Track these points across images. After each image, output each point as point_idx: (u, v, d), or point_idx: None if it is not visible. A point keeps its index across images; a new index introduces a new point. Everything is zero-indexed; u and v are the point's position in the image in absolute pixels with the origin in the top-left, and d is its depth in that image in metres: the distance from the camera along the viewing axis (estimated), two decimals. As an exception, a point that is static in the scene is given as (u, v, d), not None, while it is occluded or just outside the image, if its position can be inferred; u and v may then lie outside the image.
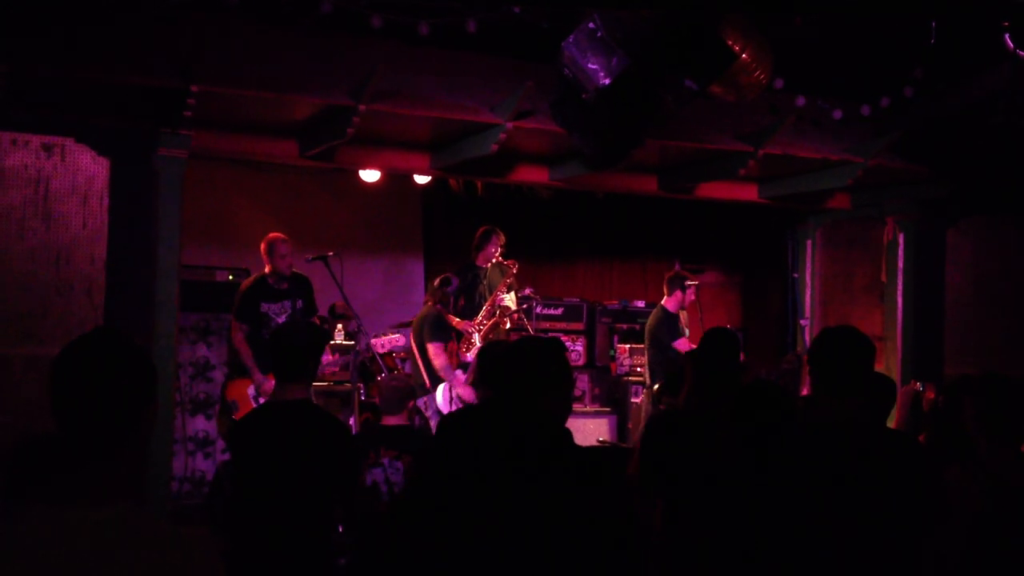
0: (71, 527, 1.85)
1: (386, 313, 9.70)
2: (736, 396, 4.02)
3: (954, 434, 4.23)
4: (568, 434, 3.03)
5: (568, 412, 3.10)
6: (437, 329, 7.94)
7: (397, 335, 8.39)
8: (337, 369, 8.01)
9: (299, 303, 7.49)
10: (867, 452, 3.32)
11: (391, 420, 5.63)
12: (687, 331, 8.91)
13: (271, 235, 7.53)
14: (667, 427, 4.50)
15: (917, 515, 3.30)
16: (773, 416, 3.38)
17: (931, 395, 6.51)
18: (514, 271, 8.63)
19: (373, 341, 8.06)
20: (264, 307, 7.36)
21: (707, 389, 4.46)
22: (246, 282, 7.55)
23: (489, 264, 8.76)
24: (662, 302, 8.93)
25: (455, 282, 8.15)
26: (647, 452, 4.44)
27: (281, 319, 7.37)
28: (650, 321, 8.96)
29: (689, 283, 8.85)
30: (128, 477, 1.98)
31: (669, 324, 8.75)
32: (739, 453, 3.27)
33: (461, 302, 8.50)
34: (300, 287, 7.54)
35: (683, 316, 8.96)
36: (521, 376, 2.99)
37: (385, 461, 5.30)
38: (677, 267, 9.44)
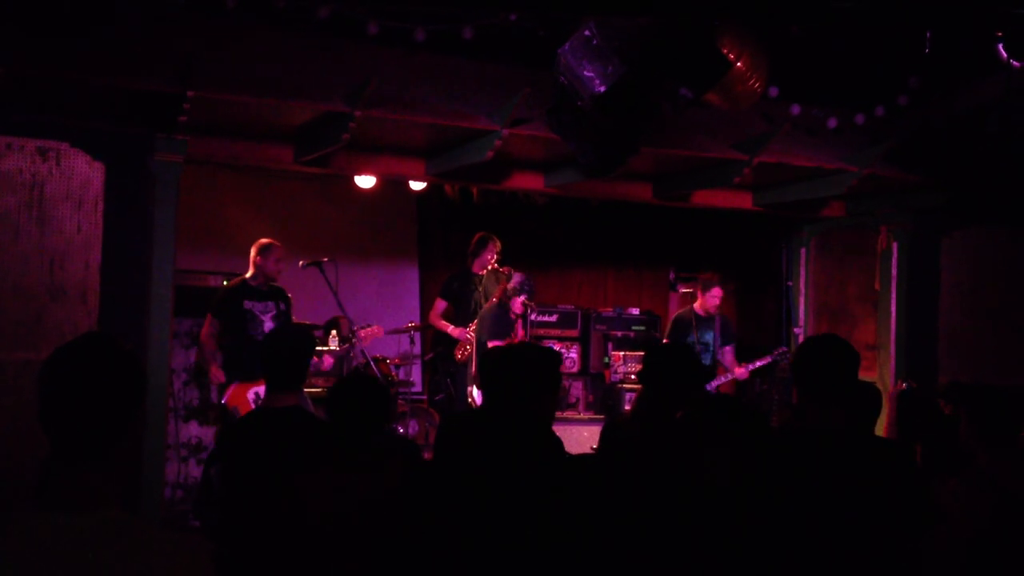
0: (60, 533, 1.85)
1: (380, 319, 9.68)
2: (688, 408, 3.95)
3: (954, 444, 4.24)
4: (558, 443, 3.03)
5: (552, 416, 3.10)
6: (487, 323, 8.21)
7: (375, 327, 8.30)
8: (332, 361, 7.99)
9: (282, 305, 7.53)
10: (851, 460, 3.31)
11: None
12: (718, 340, 8.92)
13: (265, 240, 7.56)
14: (613, 436, 4.43)
15: (905, 522, 3.30)
16: (728, 429, 3.35)
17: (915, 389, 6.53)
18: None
19: (359, 333, 8.01)
20: (248, 304, 7.40)
21: (654, 401, 4.36)
22: (228, 283, 7.61)
23: (485, 271, 8.77)
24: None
25: (515, 278, 8.21)
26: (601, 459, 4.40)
27: (266, 318, 7.40)
28: None
29: (711, 288, 8.91)
30: (119, 482, 1.98)
31: (675, 323, 8.90)
32: (686, 465, 3.25)
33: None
34: (280, 294, 7.58)
35: (719, 322, 8.96)
36: (513, 381, 2.99)
37: None
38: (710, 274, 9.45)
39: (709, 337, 8.78)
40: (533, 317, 9.29)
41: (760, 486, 3.15)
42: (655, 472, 3.50)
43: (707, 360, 8.76)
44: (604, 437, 4.48)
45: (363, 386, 3.96)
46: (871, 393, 5.02)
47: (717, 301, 8.91)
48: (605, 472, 3.80)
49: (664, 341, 8.97)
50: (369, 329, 8.16)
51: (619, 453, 4.12)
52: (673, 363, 4.41)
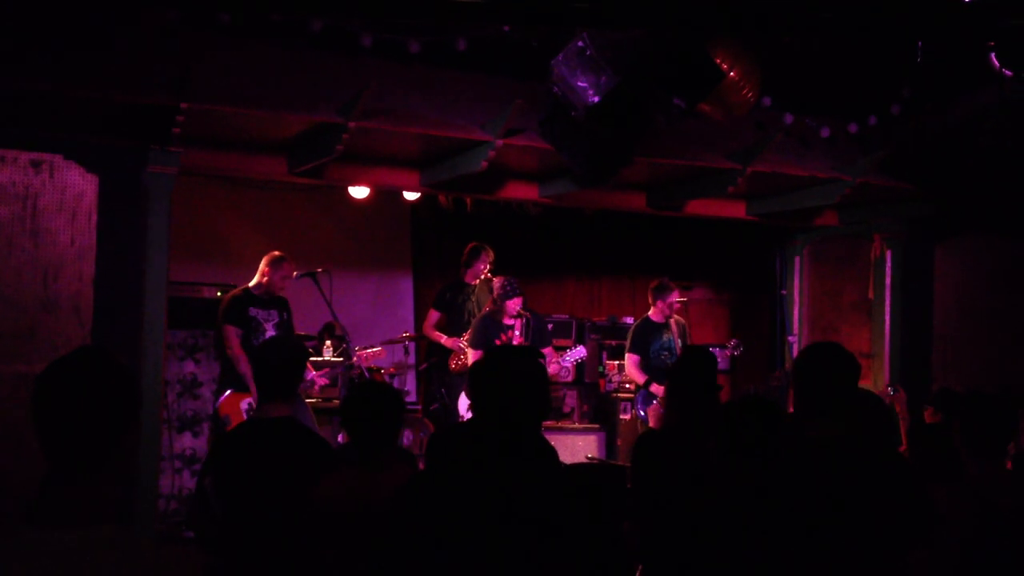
0: (54, 548, 1.84)
1: (375, 329, 9.69)
2: (723, 411, 4.00)
3: (940, 452, 4.24)
4: (552, 452, 3.03)
5: (544, 415, 3.10)
6: (471, 333, 8.25)
7: (379, 348, 8.39)
8: (327, 381, 7.99)
9: (284, 315, 7.54)
10: (850, 470, 3.30)
11: None
12: (678, 342, 8.79)
13: (279, 252, 7.58)
14: (651, 446, 4.51)
15: (902, 531, 3.30)
16: (760, 431, 3.37)
17: (902, 395, 6.52)
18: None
19: (357, 355, 8.05)
20: (253, 311, 7.39)
21: (686, 408, 4.47)
22: (229, 292, 7.58)
23: (477, 281, 8.77)
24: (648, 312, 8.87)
25: (496, 283, 8.21)
26: (635, 472, 4.46)
27: (269, 325, 7.40)
28: None
29: (669, 295, 8.72)
30: (113, 496, 1.97)
31: (637, 332, 8.72)
32: (724, 470, 3.27)
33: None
34: (282, 303, 7.58)
35: (675, 325, 8.82)
36: (490, 388, 2.99)
37: None
38: (662, 279, 9.31)
39: (671, 342, 8.69)
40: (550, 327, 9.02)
41: (772, 494, 3.16)
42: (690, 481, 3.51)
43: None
44: (641, 449, 4.52)
45: (377, 394, 4.02)
46: (879, 407, 5.00)
47: (677, 306, 8.79)
48: (642, 483, 3.84)
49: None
50: (371, 351, 8.19)
51: (657, 463, 4.17)
52: (701, 369, 4.49)
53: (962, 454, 3.99)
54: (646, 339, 8.60)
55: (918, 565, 3.46)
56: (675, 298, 8.67)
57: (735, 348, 9.11)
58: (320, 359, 8.28)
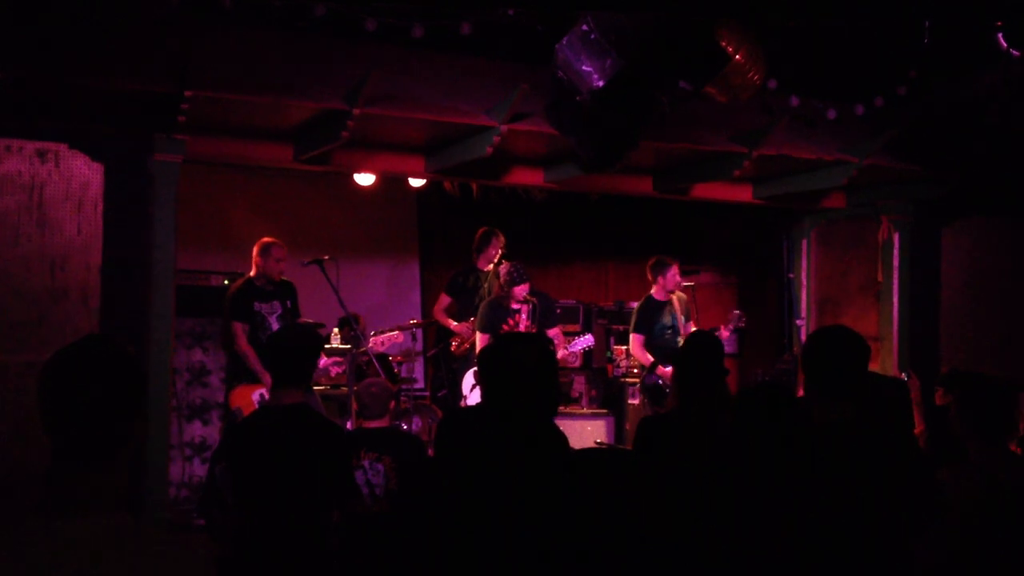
0: (62, 538, 1.84)
1: (382, 316, 9.71)
2: (738, 397, 4.00)
3: (950, 433, 4.24)
4: (563, 438, 3.03)
5: (554, 409, 3.10)
6: (478, 317, 8.30)
7: (395, 332, 8.42)
8: (342, 369, 8.01)
9: (288, 303, 7.54)
10: (857, 453, 3.30)
11: (373, 424, 5.64)
12: (681, 319, 8.72)
13: (267, 239, 7.57)
14: (655, 430, 4.52)
15: (911, 514, 3.29)
16: (778, 419, 3.37)
17: (915, 381, 6.51)
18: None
19: (372, 340, 8.07)
20: (257, 306, 7.40)
21: (690, 392, 4.50)
22: (233, 286, 7.58)
23: (490, 266, 8.76)
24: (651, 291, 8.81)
25: (503, 268, 8.22)
26: (636, 456, 4.47)
27: (272, 318, 7.41)
28: None
29: (667, 271, 8.62)
30: (121, 485, 1.97)
31: (640, 312, 8.64)
32: (733, 455, 3.27)
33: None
34: (286, 289, 7.58)
35: (676, 302, 8.74)
36: (499, 375, 2.99)
37: (366, 463, 5.29)
38: (659, 256, 9.21)
39: (673, 319, 8.64)
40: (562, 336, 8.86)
41: (780, 478, 3.16)
42: (699, 468, 3.51)
43: (679, 342, 8.36)
44: (645, 432, 4.53)
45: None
46: (897, 388, 4.99)
47: (677, 279, 8.66)
48: (648, 469, 3.82)
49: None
50: (387, 335, 8.20)
51: (663, 448, 4.17)
52: (705, 354, 4.49)
53: (960, 435, 3.97)
54: (649, 318, 8.58)
55: (922, 546, 3.46)
56: (675, 273, 8.64)
57: (738, 320, 8.89)
58: (330, 346, 8.29)
